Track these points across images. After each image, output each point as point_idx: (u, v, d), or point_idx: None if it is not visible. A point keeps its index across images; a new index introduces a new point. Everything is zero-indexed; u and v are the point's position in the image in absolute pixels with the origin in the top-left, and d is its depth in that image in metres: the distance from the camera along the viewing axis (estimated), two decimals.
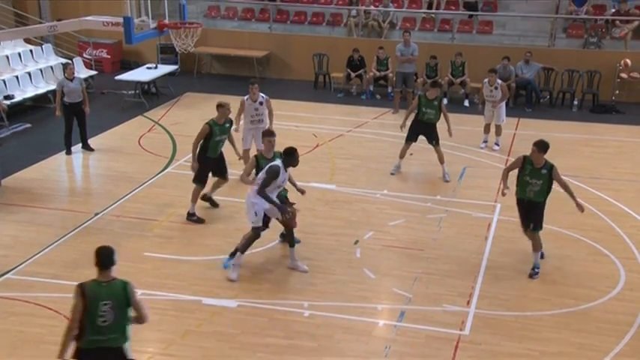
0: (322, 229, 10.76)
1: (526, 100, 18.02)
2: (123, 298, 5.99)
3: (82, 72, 18.14)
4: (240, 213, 10.28)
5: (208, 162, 10.82)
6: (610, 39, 19.18)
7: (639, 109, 17.77)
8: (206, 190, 11.18)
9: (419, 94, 13.24)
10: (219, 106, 10.83)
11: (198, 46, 16.75)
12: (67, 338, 5.98)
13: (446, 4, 20.68)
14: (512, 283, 9.38)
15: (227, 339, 8.04)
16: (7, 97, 15.94)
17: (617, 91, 18.27)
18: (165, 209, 11.37)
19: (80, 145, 14.03)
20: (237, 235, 9.85)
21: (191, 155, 10.83)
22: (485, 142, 14.73)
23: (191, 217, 10.91)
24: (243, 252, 9.39)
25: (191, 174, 10.95)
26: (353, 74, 18.72)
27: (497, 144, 14.65)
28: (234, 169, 11.35)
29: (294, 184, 9.68)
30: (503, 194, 9.70)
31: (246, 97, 12.31)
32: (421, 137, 12.92)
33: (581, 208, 9.28)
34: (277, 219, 9.43)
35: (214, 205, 11.39)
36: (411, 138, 12.96)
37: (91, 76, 18.86)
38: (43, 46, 18.87)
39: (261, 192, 9.01)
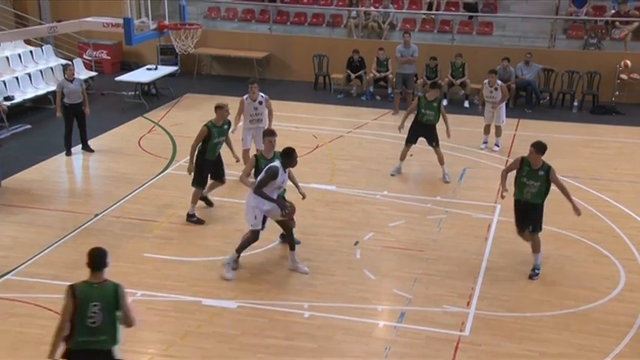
0: (322, 230, 10.76)
1: (526, 101, 18.02)
2: (113, 300, 6.01)
3: (82, 73, 18.16)
4: (239, 214, 10.28)
5: (207, 164, 10.82)
6: (610, 40, 19.18)
7: (639, 110, 17.78)
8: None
9: (418, 96, 13.24)
10: (218, 107, 10.82)
11: (198, 47, 16.75)
12: (57, 339, 6.02)
13: (446, 5, 20.68)
14: (512, 284, 9.38)
15: (227, 340, 8.04)
16: (7, 98, 15.95)
17: (617, 92, 18.28)
18: (165, 210, 11.37)
19: (80, 146, 14.03)
20: (236, 236, 9.86)
21: (189, 157, 10.86)
22: (485, 143, 14.74)
23: (191, 218, 10.92)
24: (239, 252, 9.40)
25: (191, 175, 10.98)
26: (353, 75, 18.72)
27: (497, 145, 14.65)
28: (234, 169, 11.35)
29: (297, 186, 9.66)
30: (502, 197, 9.70)
31: (245, 97, 12.32)
32: (421, 138, 12.93)
33: (577, 211, 9.25)
34: (277, 221, 9.45)
35: (209, 204, 11.39)
36: (411, 140, 12.96)
37: (91, 77, 18.86)
38: (43, 47, 18.88)
39: (258, 191, 9.03)
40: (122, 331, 6.15)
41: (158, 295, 8.88)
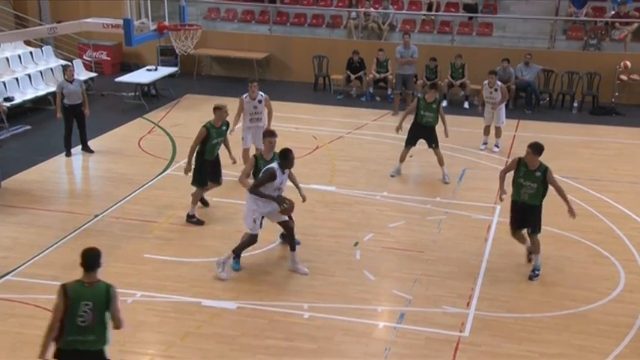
0: (322, 230, 10.76)
1: (526, 102, 18.03)
2: (104, 300, 6.04)
3: (82, 74, 18.17)
4: (239, 214, 10.28)
5: (206, 164, 10.84)
6: (610, 41, 19.18)
7: (639, 111, 17.78)
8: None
9: (418, 97, 13.24)
10: (217, 108, 10.84)
11: (198, 48, 16.75)
12: (48, 338, 6.06)
13: (446, 6, 20.69)
14: (512, 285, 9.38)
15: (227, 341, 8.04)
16: (6, 99, 15.96)
17: (617, 93, 18.28)
18: (165, 211, 11.37)
19: (80, 147, 14.04)
20: (236, 237, 9.86)
21: (187, 158, 10.87)
22: (485, 143, 14.74)
23: (191, 218, 10.92)
24: (235, 254, 9.40)
25: (190, 176, 10.99)
26: (353, 76, 18.73)
27: (497, 146, 14.65)
28: (234, 170, 11.35)
29: (298, 188, 9.64)
30: (501, 199, 9.71)
31: (245, 96, 12.34)
32: (421, 140, 12.92)
33: (572, 213, 9.22)
34: (278, 222, 9.46)
35: (205, 204, 11.40)
36: (411, 142, 12.96)
37: (91, 78, 18.85)
38: (43, 48, 18.89)
39: (254, 190, 9.07)
40: (121, 332, 6.15)
41: (158, 296, 8.87)
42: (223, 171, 11.41)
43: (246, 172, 9.66)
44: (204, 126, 10.74)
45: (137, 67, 19.80)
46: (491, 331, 8.34)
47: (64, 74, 14.65)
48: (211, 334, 8.16)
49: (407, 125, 13.01)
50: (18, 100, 16.43)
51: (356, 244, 10.39)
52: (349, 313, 8.62)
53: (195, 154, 10.79)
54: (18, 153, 13.99)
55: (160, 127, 15.82)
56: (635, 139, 15.84)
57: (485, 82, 14.40)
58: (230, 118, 11.39)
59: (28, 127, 15.69)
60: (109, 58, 20.71)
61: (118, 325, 6.18)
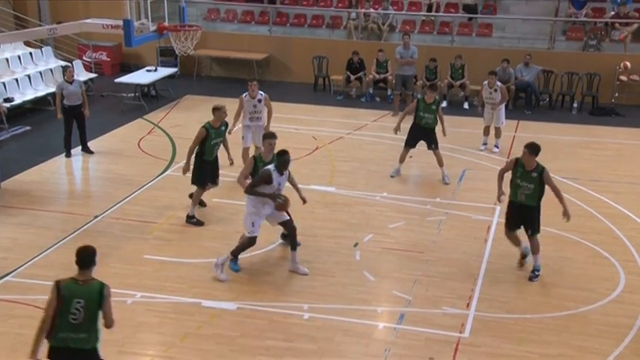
0: (322, 231, 10.76)
1: (525, 102, 18.04)
2: (96, 299, 6.06)
3: (82, 75, 18.17)
4: (238, 215, 10.28)
5: (205, 165, 10.85)
6: (609, 41, 19.18)
7: (639, 112, 17.79)
8: (192, 190, 11.18)
9: (418, 98, 13.25)
10: (215, 109, 10.86)
11: (198, 48, 16.76)
12: (40, 334, 6.09)
13: (445, 6, 20.70)
14: (512, 286, 9.38)
15: (226, 341, 8.04)
16: (6, 100, 15.96)
17: (617, 94, 18.28)
18: (164, 212, 11.37)
19: (80, 147, 14.04)
20: (236, 238, 9.86)
21: (186, 158, 10.87)
22: (485, 144, 14.74)
23: (190, 219, 10.92)
24: (233, 255, 9.41)
25: (190, 177, 10.99)
26: (352, 77, 18.73)
27: (496, 146, 14.65)
28: (234, 171, 11.34)
29: (298, 190, 9.63)
30: (499, 201, 9.71)
31: (244, 94, 12.35)
32: (420, 141, 12.92)
33: (567, 215, 9.19)
34: (280, 223, 9.46)
35: (202, 204, 11.39)
36: (410, 143, 12.95)
37: (91, 79, 18.85)
38: (42, 49, 18.89)
39: (249, 190, 9.10)
40: (121, 333, 6.16)
41: (158, 297, 8.87)
42: (223, 172, 11.42)
43: (245, 173, 9.64)
44: (203, 126, 10.77)
45: (137, 67, 19.81)
46: (491, 331, 8.34)
47: (63, 75, 14.65)
48: (211, 334, 8.16)
49: (406, 126, 13.01)
50: (18, 100, 16.43)
51: (356, 244, 10.39)
52: (349, 313, 8.62)
53: (194, 154, 10.82)
54: (18, 154, 13.99)
55: (159, 127, 15.82)
56: (634, 139, 15.84)
57: (485, 82, 14.41)
58: (229, 119, 11.40)
59: (28, 127, 15.70)
60: (108, 59, 20.71)
61: (108, 324, 6.20)
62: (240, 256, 9.51)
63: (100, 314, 6.12)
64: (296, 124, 15.85)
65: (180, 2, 14.01)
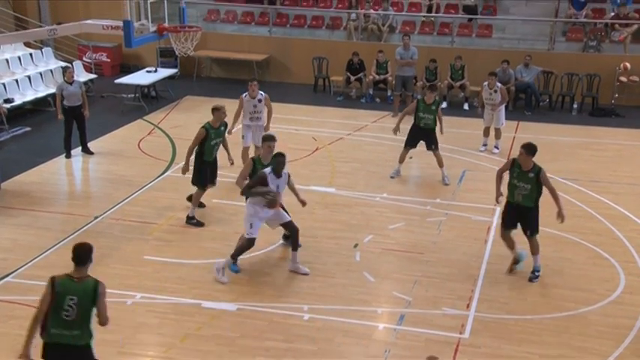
0: (322, 232, 10.76)
1: (525, 103, 18.04)
2: (90, 296, 6.08)
3: (82, 75, 18.16)
4: (238, 216, 10.29)
5: (205, 166, 10.86)
6: (609, 42, 19.18)
7: (638, 113, 17.79)
8: (191, 192, 11.18)
9: (417, 99, 13.25)
10: (215, 109, 10.86)
11: (198, 49, 16.76)
12: (32, 328, 6.12)
13: (445, 7, 20.71)
14: (512, 287, 9.38)
15: (226, 342, 8.04)
16: (6, 101, 15.97)
17: (617, 95, 18.28)
18: (164, 212, 11.37)
19: (80, 148, 14.04)
20: (236, 238, 9.85)
21: (185, 158, 10.87)
22: (485, 145, 14.74)
23: (190, 220, 10.92)
24: (233, 258, 9.41)
25: (190, 177, 10.99)
26: (352, 78, 18.74)
27: (496, 147, 14.65)
28: (233, 171, 11.33)
29: (296, 194, 9.63)
30: (497, 202, 9.70)
31: (244, 94, 12.37)
32: (420, 142, 12.92)
33: (561, 216, 9.16)
34: (282, 224, 9.46)
35: (201, 205, 11.38)
36: (410, 144, 12.94)
37: (91, 80, 18.86)
38: (42, 50, 18.89)
39: (245, 192, 9.15)
40: (121, 334, 6.15)
41: (158, 298, 8.87)
42: (223, 172, 11.41)
43: (244, 175, 9.62)
44: (202, 127, 10.78)
45: (137, 68, 19.82)
46: (491, 332, 8.34)
47: (63, 76, 14.66)
48: (211, 335, 8.16)
49: (406, 127, 13.00)
50: (18, 101, 16.43)
51: (356, 245, 10.39)
52: (349, 314, 8.62)
53: (194, 155, 10.82)
54: (18, 155, 13.99)
55: (159, 128, 15.82)
56: (634, 140, 15.84)
57: (485, 83, 14.41)
58: (229, 119, 11.40)
59: (28, 128, 15.70)
60: (108, 60, 20.72)
61: (102, 322, 6.21)
62: (239, 257, 9.51)
63: (94, 312, 6.13)
64: (296, 125, 15.85)
65: (180, 3, 14.01)
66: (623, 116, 17.59)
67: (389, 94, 18.53)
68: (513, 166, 9.27)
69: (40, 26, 18.73)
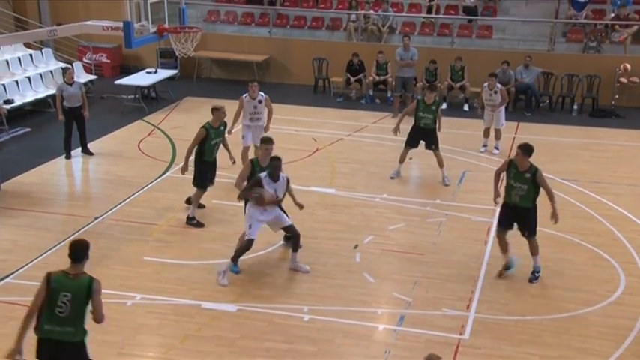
0: (322, 233, 10.76)
1: (525, 104, 18.04)
2: (84, 293, 6.09)
3: (82, 76, 18.15)
4: (238, 216, 10.28)
5: (205, 165, 10.86)
6: (609, 43, 19.19)
7: (639, 114, 17.79)
8: (190, 193, 11.18)
9: (417, 99, 13.26)
10: (215, 109, 10.87)
11: (198, 50, 16.77)
12: (26, 323, 6.12)
13: (445, 8, 20.72)
14: (512, 288, 9.37)
15: (226, 343, 8.04)
16: (6, 102, 15.97)
17: (617, 96, 18.28)
18: (164, 213, 11.37)
19: (80, 149, 14.04)
20: (236, 239, 9.85)
21: (184, 159, 10.88)
22: (485, 146, 14.74)
23: (191, 221, 10.92)
24: (233, 260, 9.41)
25: (190, 178, 10.99)
26: (352, 78, 18.74)
27: (496, 148, 14.65)
28: (233, 172, 11.33)
29: (293, 198, 9.62)
30: (496, 203, 9.70)
31: (244, 95, 12.37)
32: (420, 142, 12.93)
33: (555, 218, 9.15)
34: (283, 227, 9.47)
35: (200, 206, 11.38)
36: (410, 144, 12.94)
37: (91, 81, 18.86)
38: (42, 51, 18.89)
39: (242, 195, 9.24)
40: (121, 335, 6.15)
41: (158, 299, 8.87)
42: (224, 173, 11.41)
43: (243, 177, 9.62)
44: (202, 127, 10.79)
45: (137, 69, 19.82)
46: (491, 333, 8.34)
47: (63, 77, 14.67)
48: (211, 336, 8.15)
49: (406, 127, 13.00)
50: (18, 102, 16.43)
51: (356, 246, 10.39)
52: (349, 315, 8.62)
53: (194, 155, 10.82)
54: (18, 155, 13.99)
55: (159, 129, 15.82)
56: (634, 141, 15.84)
57: (485, 84, 14.42)
58: (229, 119, 11.40)
59: (28, 129, 15.70)
60: (108, 61, 20.72)
61: (98, 319, 6.21)
62: (240, 258, 9.51)
63: (89, 309, 6.13)
64: (296, 126, 15.85)
65: (180, 4, 14.02)
66: (623, 117, 17.58)
67: (389, 95, 18.54)
68: (510, 166, 9.27)
69: (40, 27, 18.75)
